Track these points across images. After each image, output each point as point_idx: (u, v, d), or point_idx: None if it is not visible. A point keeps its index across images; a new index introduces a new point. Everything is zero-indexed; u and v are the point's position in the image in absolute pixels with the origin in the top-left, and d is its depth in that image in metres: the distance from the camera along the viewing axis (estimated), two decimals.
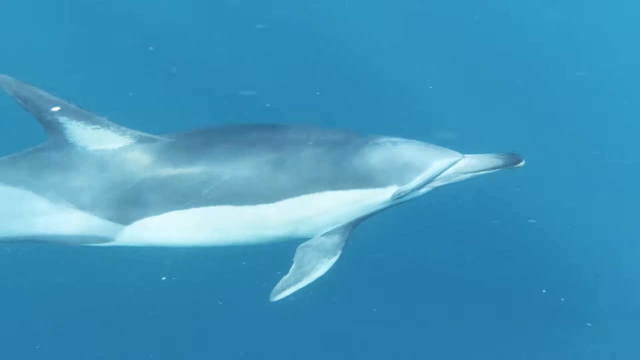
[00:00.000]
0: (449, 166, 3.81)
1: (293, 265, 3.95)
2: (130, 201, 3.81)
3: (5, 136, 4.47)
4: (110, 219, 3.86)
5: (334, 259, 3.91)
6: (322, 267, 3.89)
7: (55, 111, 3.65)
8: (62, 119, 3.68)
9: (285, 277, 3.91)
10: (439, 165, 3.78)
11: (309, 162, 3.73)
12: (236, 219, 3.82)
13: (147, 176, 3.77)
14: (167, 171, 3.77)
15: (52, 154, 3.83)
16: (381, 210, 3.96)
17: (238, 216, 3.80)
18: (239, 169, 3.73)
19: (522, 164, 3.80)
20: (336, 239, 3.93)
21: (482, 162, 3.81)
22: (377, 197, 3.79)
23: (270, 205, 3.75)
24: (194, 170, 3.77)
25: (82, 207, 3.83)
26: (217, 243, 4.04)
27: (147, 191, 3.79)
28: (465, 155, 3.85)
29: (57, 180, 3.83)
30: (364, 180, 3.73)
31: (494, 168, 3.82)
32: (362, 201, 3.81)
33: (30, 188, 3.85)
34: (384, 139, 3.83)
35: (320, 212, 3.80)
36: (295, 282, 3.88)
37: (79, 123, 3.69)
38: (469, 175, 3.86)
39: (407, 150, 3.79)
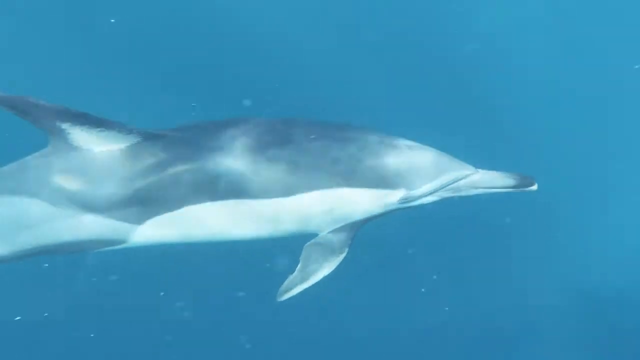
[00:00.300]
0: (461, 178, 3.81)
1: (299, 265, 3.95)
2: (143, 200, 3.77)
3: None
4: (122, 219, 3.83)
5: (341, 257, 3.93)
6: (329, 266, 3.92)
7: (56, 118, 3.61)
8: (65, 125, 3.63)
9: (292, 277, 3.93)
10: (451, 175, 3.79)
11: (325, 158, 3.72)
12: (252, 213, 3.79)
13: (158, 173, 3.74)
14: (180, 166, 3.73)
15: (56, 159, 3.79)
16: (387, 213, 3.97)
17: (253, 210, 3.77)
18: (254, 162, 3.70)
19: (534, 187, 3.79)
20: (343, 237, 3.93)
21: (494, 180, 3.81)
22: (385, 198, 3.79)
23: (286, 199, 3.73)
24: (209, 164, 3.73)
25: (92, 210, 3.80)
26: (231, 238, 4.02)
27: (160, 188, 3.75)
28: (478, 169, 3.85)
29: (64, 185, 3.78)
30: (376, 180, 3.73)
31: (505, 187, 3.82)
32: (371, 200, 3.81)
33: (36, 196, 3.80)
34: (400, 141, 3.83)
35: (332, 207, 3.79)
36: (302, 280, 3.90)
37: (82, 127, 3.64)
38: (479, 190, 3.88)
39: (421, 156, 3.79)
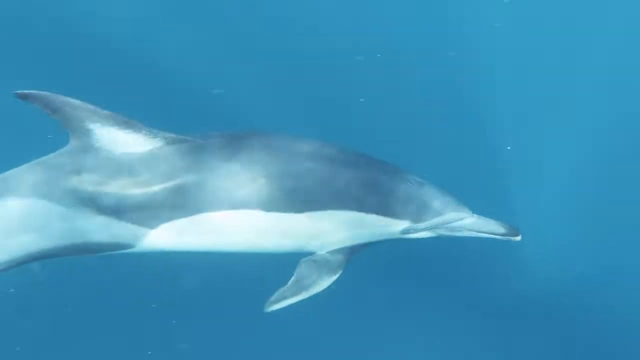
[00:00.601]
0: (459, 219, 4.08)
1: (293, 278, 4.09)
2: (159, 204, 3.85)
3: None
4: (136, 222, 3.90)
5: (334, 277, 4.10)
6: (322, 284, 4.07)
7: (86, 118, 3.72)
8: (93, 125, 3.74)
9: (283, 289, 4.06)
10: (451, 216, 4.06)
11: (341, 180, 3.93)
12: (266, 225, 3.92)
13: (178, 178, 3.84)
14: (201, 173, 3.85)
15: (75, 159, 3.85)
16: (385, 241, 4.21)
17: (268, 222, 3.91)
18: (274, 175, 3.85)
19: (518, 238, 4.07)
20: (340, 257, 4.12)
21: (486, 226, 4.09)
22: (390, 226, 4.05)
23: (300, 214, 3.90)
24: (229, 172, 3.85)
25: (106, 212, 3.86)
26: (242, 248, 4.15)
27: (179, 193, 3.84)
28: (474, 214, 4.12)
29: (81, 185, 3.83)
30: (385, 208, 3.98)
31: (494, 234, 4.09)
32: (377, 226, 4.05)
33: (52, 197, 3.84)
34: (412, 177, 4.10)
35: (339, 228, 4.00)
36: (293, 294, 4.03)
37: (110, 128, 3.75)
38: (471, 233, 4.14)
39: (428, 194, 4.06)
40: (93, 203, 3.85)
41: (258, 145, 3.96)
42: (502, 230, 4.05)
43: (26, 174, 3.91)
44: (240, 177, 3.85)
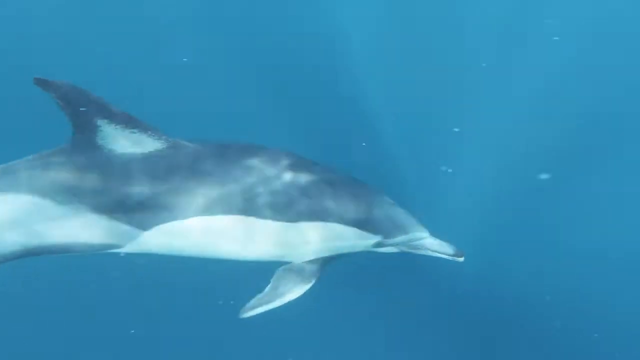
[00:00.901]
0: (421, 238, 4.51)
1: (269, 285, 4.31)
2: (154, 205, 3.96)
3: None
4: (130, 223, 4.00)
5: (309, 286, 4.34)
6: (297, 291, 4.30)
7: (97, 113, 3.75)
8: (102, 121, 3.78)
9: (260, 295, 4.27)
10: (416, 234, 4.49)
11: (328, 195, 4.26)
12: (258, 232, 4.13)
13: (176, 181, 3.98)
14: (197, 177, 4.01)
15: (73, 156, 3.93)
16: (356, 252, 4.55)
17: (260, 229, 4.12)
18: (270, 185, 4.12)
19: (462, 259, 4.52)
20: (315, 268, 4.39)
21: (440, 247, 4.53)
22: (365, 240, 4.40)
23: (290, 224, 4.16)
24: (228, 178, 4.06)
25: (101, 211, 3.94)
26: (229, 254, 4.32)
27: (174, 196, 3.97)
28: (431, 235, 4.57)
29: (77, 182, 3.91)
30: (363, 223, 4.33)
31: (442, 253, 4.53)
32: (354, 240, 4.39)
33: (47, 193, 3.89)
34: (387, 199, 4.51)
35: (322, 239, 4.29)
36: (269, 301, 4.24)
37: (117, 125, 3.81)
38: (426, 251, 4.57)
39: (399, 214, 4.49)
40: (87, 201, 3.92)
41: (250, 156, 4.22)
42: (451, 251, 4.49)
43: (23, 168, 3.94)
44: (232, 185, 4.07)
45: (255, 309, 4.22)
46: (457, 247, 4.56)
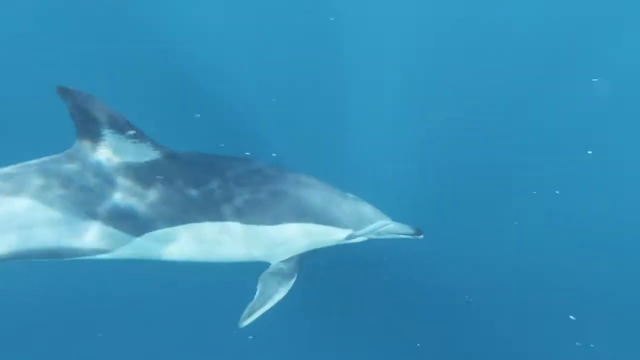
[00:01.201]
0: (385, 225, 4.83)
1: (257, 292, 4.53)
2: (147, 213, 4.10)
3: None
4: (123, 229, 4.10)
5: (292, 281, 4.62)
6: (283, 289, 4.57)
7: (105, 122, 3.84)
8: (108, 131, 3.90)
9: (252, 303, 4.49)
10: (381, 223, 4.82)
11: (303, 199, 4.54)
12: (242, 235, 4.36)
13: (168, 189, 4.14)
14: (188, 187, 4.19)
15: (71, 164, 4.02)
16: (331, 246, 4.80)
17: (244, 232, 4.35)
18: (252, 192, 4.35)
19: (421, 236, 4.85)
20: (292, 265, 4.67)
21: (401, 229, 4.85)
22: (338, 234, 4.68)
23: (271, 226, 4.41)
24: (215, 187, 4.25)
25: (96, 217, 4.04)
26: (215, 258, 4.50)
27: (166, 204, 4.13)
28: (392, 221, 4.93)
29: (74, 189, 3.99)
30: (335, 220, 4.62)
31: (405, 234, 4.86)
32: (328, 235, 4.66)
33: (43, 198, 3.94)
34: (351, 195, 4.81)
35: (302, 237, 4.55)
36: (261, 306, 4.48)
37: (121, 136, 3.93)
38: (390, 235, 4.88)
39: (364, 207, 4.80)
40: (84, 208, 4.01)
41: (231, 167, 4.44)
42: (412, 231, 4.83)
43: (24, 172, 3.98)
44: (216, 194, 4.27)
45: (252, 316, 4.43)
46: (416, 226, 4.88)
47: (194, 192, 4.21)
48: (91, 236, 4.07)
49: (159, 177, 4.15)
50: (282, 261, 4.66)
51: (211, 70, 6.93)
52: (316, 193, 4.64)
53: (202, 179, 4.27)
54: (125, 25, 6.87)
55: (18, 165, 4.05)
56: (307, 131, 6.69)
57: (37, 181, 3.98)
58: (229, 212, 4.26)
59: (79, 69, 5.90)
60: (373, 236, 4.90)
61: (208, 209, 4.22)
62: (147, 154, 4.10)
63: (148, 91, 6.42)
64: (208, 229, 4.26)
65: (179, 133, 4.96)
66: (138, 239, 4.16)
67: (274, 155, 5.98)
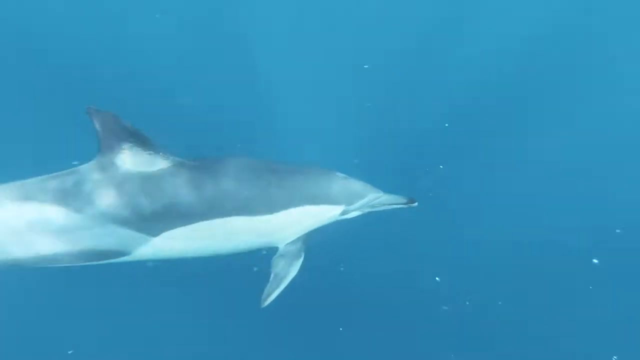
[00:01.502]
0: (377, 198, 5.27)
1: (272, 275, 5.06)
2: (162, 215, 4.60)
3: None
4: (141, 231, 4.60)
5: (301, 260, 5.13)
6: (294, 269, 5.10)
7: (125, 138, 4.36)
8: (127, 145, 4.41)
9: (268, 285, 5.02)
10: (373, 196, 5.27)
11: (297, 185, 5.01)
12: (246, 227, 4.86)
13: (179, 193, 4.62)
14: (196, 189, 4.67)
15: (94, 174, 4.50)
16: (328, 224, 5.28)
17: (248, 224, 4.85)
18: (251, 188, 4.83)
19: (415, 204, 5.27)
20: (298, 246, 5.17)
21: (394, 199, 5.29)
22: (333, 211, 5.16)
23: (271, 215, 4.89)
24: (219, 188, 4.74)
25: (119, 222, 4.52)
26: (227, 250, 5.01)
27: (178, 206, 4.62)
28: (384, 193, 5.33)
29: (97, 198, 4.48)
30: (328, 199, 5.10)
31: (398, 204, 5.30)
32: (324, 214, 5.14)
33: (70, 206, 4.44)
34: (339, 174, 5.25)
35: (299, 219, 5.03)
36: (277, 286, 5.01)
37: (138, 148, 4.44)
38: (384, 207, 5.32)
39: (354, 184, 5.25)
40: (110, 213, 4.50)
41: (237, 165, 4.93)
42: (404, 200, 5.27)
43: (49, 182, 4.47)
44: (226, 191, 4.78)
45: (271, 296, 4.98)
46: (410, 196, 5.33)
47: (202, 194, 4.68)
48: (115, 240, 4.57)
49: (170, 182, 4.62)
50: (289, 243, 5.15)
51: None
52: (308, 177, 5.12)
53: (207, 181, 4.74)
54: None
55: (48, 175, 4.53)
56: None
57: (65, 191, 4.46)
58: (234, 207, 4.75)
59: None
60: (368, 209, 5.34)
61: (215, 207, 4.71)
62: (159, 163, 4.58)
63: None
64: (217, 224, 4.74)
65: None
66: (155, 239, 4.65)
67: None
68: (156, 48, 7.49)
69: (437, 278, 6.42)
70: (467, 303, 6.38)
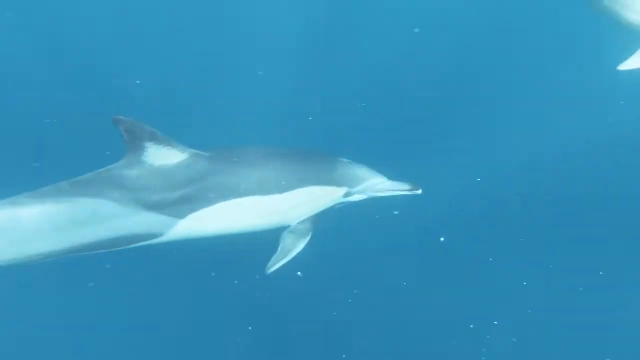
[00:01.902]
0: (379, 183, 5.75)
1: (279, 247, 5.63)
2: (186, 200, 5.25)
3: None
4: (170, 214, 5.26)
5: (307, 239, 5.67)
6: (300, 245, 5.65)
7: (147, 138, 5.03)
8: (149, 144, 5.07)
9: (275, 255, 5.61)
10: (375, 180, 5.77)
11: (303, 168, 5.64)
12: (261, 206, 5.45)
13: (199, 180, 5.27)
14: (213, 175, 5.32)
15: (125, 170, 5.17)
16: (333, 206, 5.82)
17: (263, 204, 5.44)
18: (262, 171, 5.47)
19: (419, 191, 5.70)
20: (308, 225, 5.72)
21: (397, 185, 5.75)
22: (337, 193, 5.71)
23: (280, 195, 5.47)
24: (233, 172, 5.40)
25: (150, 208, 5.20)
26: (244, 228, 5.61)
27: (199, 190, 5.27)
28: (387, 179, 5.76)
29: (131, 190, 5.15)
30: (332, 180, 5.68)
31: (402, 190, 5.75)
32: (328, 194, 5.69)
33: (110, 197, 5.12)
34: (343, 159, 5.83)
35: (306, 201, 5.60)
36: (283, 257, 5.60)
37: (158, 145, 5.10)
38: (387, 192, 5.79)
39: (357, 168, 5.77)
40: (140, 202, 5.19)
41: (248, 152, 5.59)
42: (408, 187, 5.73)
43: (94, 179, 5.18)
44: (240, 175, 5.42)
45: (276, 264, 5.58)
46: (412, 182, 5.75)
47: (218, 178, 5.31)
48: (146, 224, 5.23)
49: (188, 171, 5.26)
50: (299, 222, 5.71)
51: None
52: (313, 160, 5.76)
53: (222, 166, 5.37)
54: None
55: (88, 174, 5.18)
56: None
57: (103, 185, 5.13)
58: (247, 188, 5.37)
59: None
60: (372, 194, 5.86)
61: (231, 189, 5.33)
62: (177, 156, 5.23)
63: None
64: (234, 204, 5.36)
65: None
66: (182, 221, 5.30)
67: None
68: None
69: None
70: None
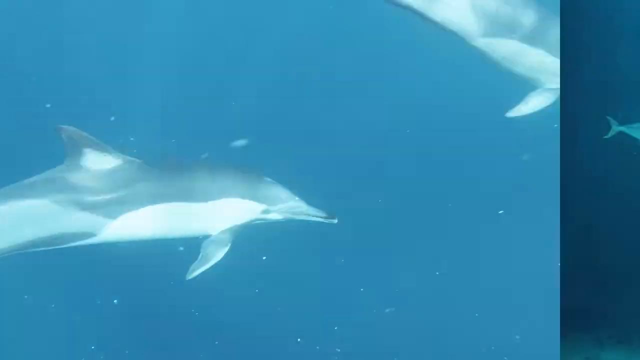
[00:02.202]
0: (299, 207, 6.19)
1: (200, 255, 6.04)
2: (118, 202, 5.77)
3: None
4: (104, 215, 5.75)
5: (226, 249, 6.07)
6: (219, 254, 6.05)
7: (85, 144, 5.57)
8: (87, 149, 5.63)
9: (195, 263, 6.02)
10: (294, 203, 6.21)
11: (228, 181, 6.18)
12: (185, 212, 6.00)
13: (131, 184, 5.80)
14: (145, 180, 5.86)
15: (65, 174, 5.69)
16: (253, 222, 6.36)
17: (186, 209, 6.00)
18: (188, 180, 6.04)
19: (335, 221, 6.13)
20: (228, 235, 6.13)
21: (313, 211, 6.18)
22: (257, 208, 6.15)
23: (204, 203, 6.02)
24: (162, 179, 5.96)
25: (85, 209, 5.68)
26: (170, 233, 6.17)
27: (130, 194, 5.80)
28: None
29: (69, 192, 5.64)
30: (254, 196, 6.18)
31: (318, 217, 6.17)
32: (248, 209, 6.16)
33: (49, 199, 5.59)
34: (268, 179, 6.29)
35: (227, 212, 6.09)
36: (202, 265, 6.00)
37: (95, 151, 5.67)
38: (303, 217, 6.21)
39: (279, 189, 6.24)
40: (77, 203, 5.69)
41: (178, 161, 6.21)
42: (324, 214, 6.15)
43: (35, 182, 5.69)
44: (168, 182, 5.99)
45: (195, 272, 6.01)
46: (331, 211, 6.18)
47: (148, 183, 5.84)
48: (81, 224, 5.71)
49: (123, 176, 5.78)
50: (220, 232, 6.16)
51: None
52: (238, 175, 6.24)
53: (153, 173, 5.90)
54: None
55: (30, 178, 5.69)
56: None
57: (40, 188, 5.63)
58: (174, 194, 5.91)
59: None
60: (290, 215, 6.25)
61: (159, 194, 5.86)
62: (114, 162, 5.78)
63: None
64: (161, 208, 5.88)
65: None
66: (114, 222, 5.79)
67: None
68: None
69: None
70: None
